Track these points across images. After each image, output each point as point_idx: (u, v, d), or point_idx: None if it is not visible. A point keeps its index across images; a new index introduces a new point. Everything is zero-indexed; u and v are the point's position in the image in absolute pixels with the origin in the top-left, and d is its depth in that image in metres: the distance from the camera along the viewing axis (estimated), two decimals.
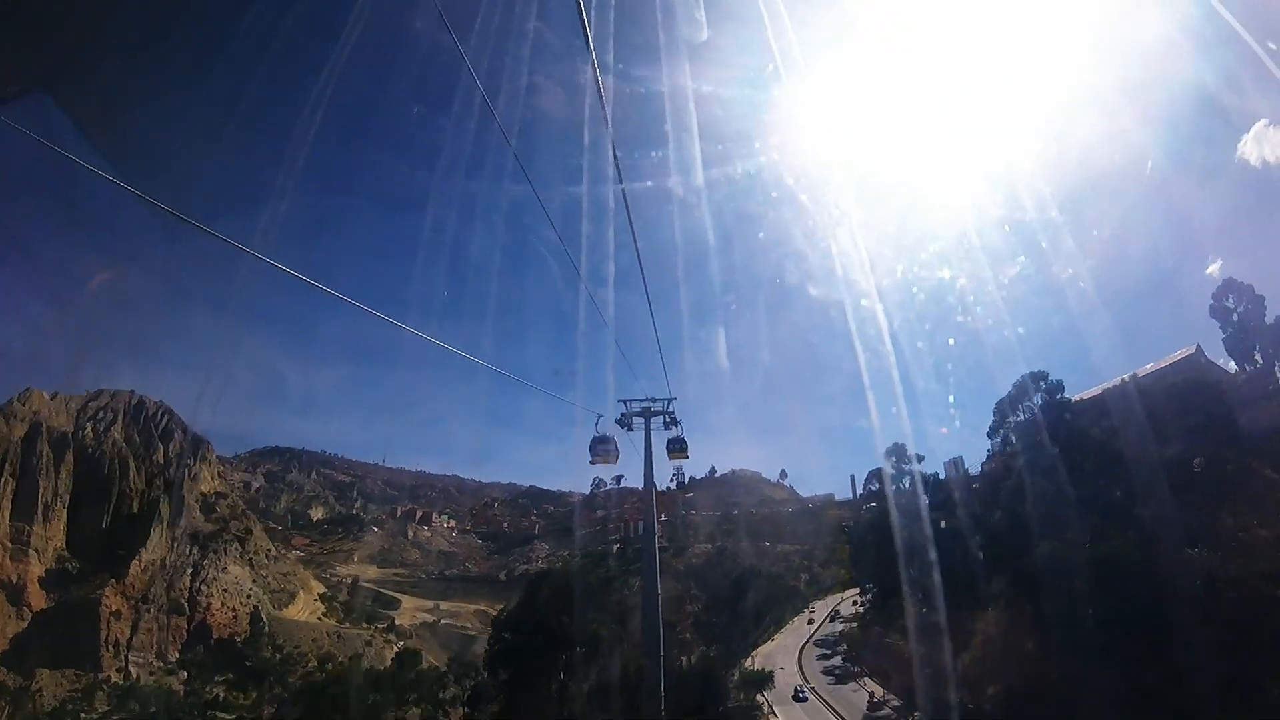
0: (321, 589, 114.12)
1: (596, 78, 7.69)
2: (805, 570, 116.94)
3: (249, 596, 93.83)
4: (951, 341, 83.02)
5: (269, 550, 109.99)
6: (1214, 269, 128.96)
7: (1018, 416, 47.52)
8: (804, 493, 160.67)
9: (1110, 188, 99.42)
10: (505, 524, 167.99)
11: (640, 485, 24.74)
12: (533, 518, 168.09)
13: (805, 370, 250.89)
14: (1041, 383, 48.49)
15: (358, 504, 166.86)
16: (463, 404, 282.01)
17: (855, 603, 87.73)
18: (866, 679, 56.02)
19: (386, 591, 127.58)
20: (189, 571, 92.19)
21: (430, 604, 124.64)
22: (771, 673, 57.89)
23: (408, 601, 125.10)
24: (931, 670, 35.26)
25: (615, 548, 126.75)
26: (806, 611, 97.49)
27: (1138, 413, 45.92)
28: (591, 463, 16.77)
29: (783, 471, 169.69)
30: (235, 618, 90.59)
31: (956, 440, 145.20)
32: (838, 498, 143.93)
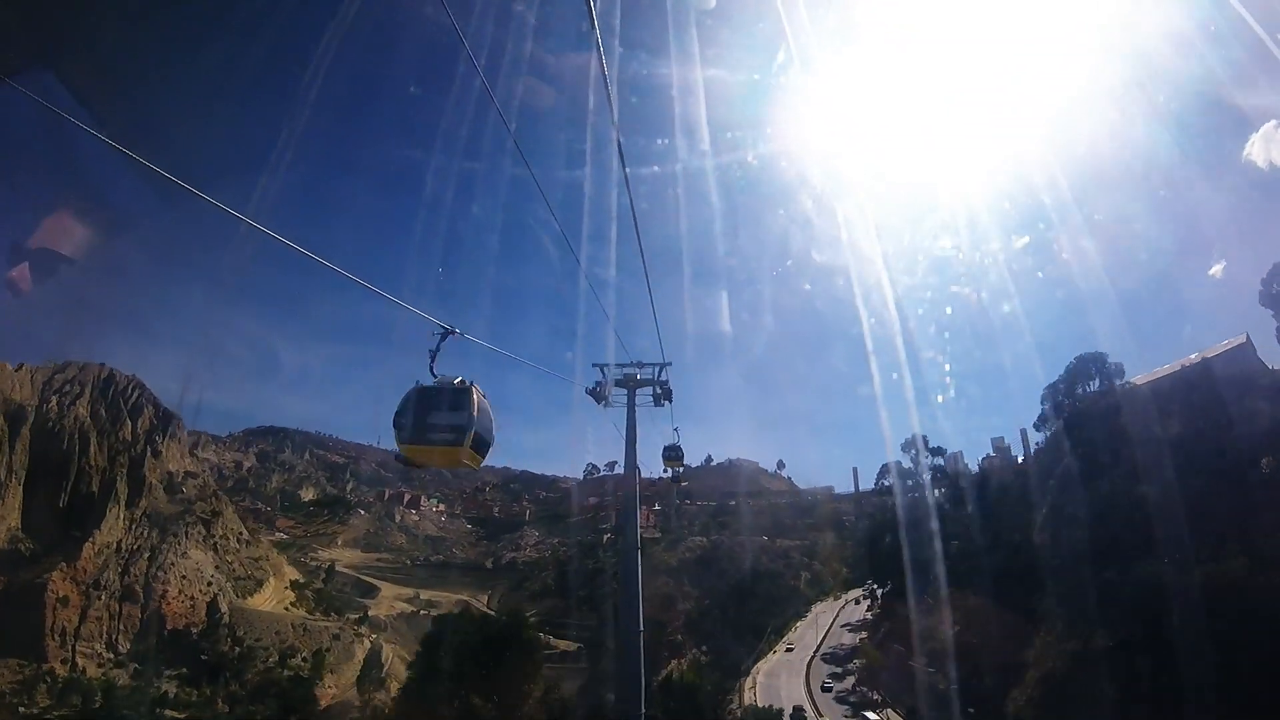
0: (295, 575, 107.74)
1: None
2: (806, 568, 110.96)
3: (209, 584, 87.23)
4: (951, 312, 78.01)
5: (239, 533, 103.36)
6: (1217, 270, 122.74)
7: (1070, 404, 40.38)
8: (801, 485, 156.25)
9: (1120, 183, 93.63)
10: (496, 509, 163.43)
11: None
12: (524, 503, 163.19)
13: (805, 360, 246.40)
14: (1096, 367, 41.55)
15: (349, 485, 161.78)
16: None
17: (864, 607, 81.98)
18: (890, 711, 47.87)
19: (366, 578, 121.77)
20: (145, 556, 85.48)
21: (411, 592, 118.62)
22: (781, 710, 48.83)
23: (387, 589, 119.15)
24: (975, 711, 28.44)
25: (606, 538, 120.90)
26: (811, 615, 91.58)
27: (1208, 407, 39.37)
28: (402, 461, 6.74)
29: (780, 462, 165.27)
30: (193, 607, 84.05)
31: (965, 434, 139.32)
32: (837, 490, 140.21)
